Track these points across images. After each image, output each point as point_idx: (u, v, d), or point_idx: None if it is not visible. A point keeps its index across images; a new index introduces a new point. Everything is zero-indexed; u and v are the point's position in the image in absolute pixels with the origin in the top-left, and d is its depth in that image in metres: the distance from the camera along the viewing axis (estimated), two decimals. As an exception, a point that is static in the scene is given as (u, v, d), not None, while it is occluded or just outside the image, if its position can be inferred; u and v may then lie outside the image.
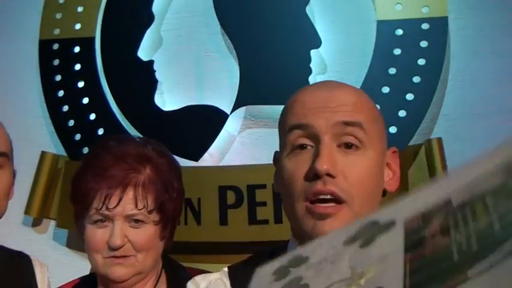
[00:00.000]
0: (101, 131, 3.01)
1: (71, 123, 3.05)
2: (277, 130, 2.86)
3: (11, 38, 3.36)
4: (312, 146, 1.17)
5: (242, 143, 2.91)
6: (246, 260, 1.40)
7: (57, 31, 3.17)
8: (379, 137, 1.22)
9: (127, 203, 1.55)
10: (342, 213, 1.12)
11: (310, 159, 1.14)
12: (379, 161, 1.19)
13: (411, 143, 2.60)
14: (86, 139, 3.02)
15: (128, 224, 1.57)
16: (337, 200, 1.12)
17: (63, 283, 1.80)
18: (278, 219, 2.54)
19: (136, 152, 1.63)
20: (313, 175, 1.12)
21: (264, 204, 2.55)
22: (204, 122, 2.89)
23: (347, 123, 1.15)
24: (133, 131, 2.97)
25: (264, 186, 2.57)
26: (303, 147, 1.18)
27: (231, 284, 1.31)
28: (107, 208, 1.55)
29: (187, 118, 2.93)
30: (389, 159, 1.26)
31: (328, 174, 1.11)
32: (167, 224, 1.65)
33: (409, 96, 2.61)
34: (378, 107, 2.60)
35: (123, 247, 1.56)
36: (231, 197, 2.58)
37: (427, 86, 2.61)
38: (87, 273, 2.85)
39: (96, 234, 1.58)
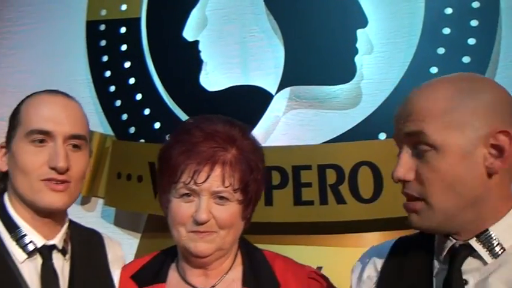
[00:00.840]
0: (147, 111, 3.04)
1: (118, 103, 3.10)
2: (321, 111, 2.86)
3: (58, 19, 3.41)
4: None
5: (287, 124, 2.90)
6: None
7: (103, 12, 3.21)
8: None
9: (214, 179, 1.58)
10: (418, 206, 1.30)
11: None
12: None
13: (460, 124, 2.55)
14: (133, 119, 3.07)
15: (213, 201, 1.60)
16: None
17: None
18: (323, 201, 2.53)
19: (225, 132, 1.64)
20: (397, 180, 1.32)
21: (309, 185, 2.55)
22: (249, 103, 2.89)
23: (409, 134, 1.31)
24: (178, 111, 2.99)
25: (309, 167, 2.56)
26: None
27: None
28: (195, 183, 1.57)
29: (232, 98, 2.94)
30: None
31: (404, 180, 1.31)
32: (249, 204, 1.67)
33: (459, 77, 2.55)
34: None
35: (208, 223, 1.59)
36: (276, 178, 2.59)
37: (477, 67, 2.54)
38: (134, 250, 2.92)
39: (182, 207, 1.61)
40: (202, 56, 3.02)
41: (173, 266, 1.76)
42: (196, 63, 3.00)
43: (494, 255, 1.27)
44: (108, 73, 3.15)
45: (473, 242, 1.28)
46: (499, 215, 1.28)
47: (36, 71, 3.39)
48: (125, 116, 3.07)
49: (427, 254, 1.39)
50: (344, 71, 2.75)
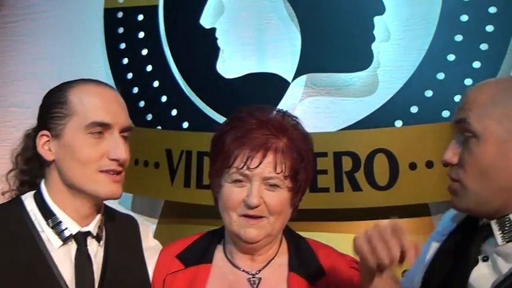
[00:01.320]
0: (164, 98, 3.06)
1: (135, 90, 3.12)
2: (338, 98, 2.86)
3: (76, 6, 3.43)
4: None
5: (303, 111, 2.90)
6: None
7: (121, -1, 3.23)
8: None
9: (267, 165, 1.63)
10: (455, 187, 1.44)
11: None
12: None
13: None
14: (150, 106, 3.08)
15: (264, 187, 1.64)
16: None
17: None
18: (339, 188, 2.54)
19: (277, 120, 1.70)
20: (444, 163, 1.47)
21: (324, 172, 2.55)
22: (265, 90, 2.90)
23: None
24: (195, 98, 3.00)
25: (325, 155, 2.56)
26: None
27: None
28: (248, 168, 1.63)
29: (248, 86, 2.95)
30: None
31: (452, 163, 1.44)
32: (298, 192, 1.72)
33: (476, 64, 2.54)
34: (443, 75, 2.57)
35: (258, 207, 1.64)
36: (292, 165, 2.58)
37: (495, 54, 2.53)
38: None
39: (234, 192, 1.66)
40: (219, 43, 3.02)
41: (219, 247, 1.80)
42: (213, 51, 3.01)
43: (507, 240, 1.39)
44: (125, 60, 3.17)
45: (493, 224, 1.42)
46: None
47: (54, 59, 3.43)
48: (142, 103, 3.09)
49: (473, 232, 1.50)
50: (361, 58, 2.74)
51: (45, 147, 1.65)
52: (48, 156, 1.65)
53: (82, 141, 1.61)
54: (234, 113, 1.78)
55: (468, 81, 2.53)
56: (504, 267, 1.37)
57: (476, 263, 1.42)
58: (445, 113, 2.52)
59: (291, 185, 1.68)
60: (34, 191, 1.69)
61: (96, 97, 1.65)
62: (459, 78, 2.55)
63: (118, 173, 1.65)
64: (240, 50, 3.02)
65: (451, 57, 2.58)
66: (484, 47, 2.54)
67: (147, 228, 1.91)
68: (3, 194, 1.78)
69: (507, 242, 1.39)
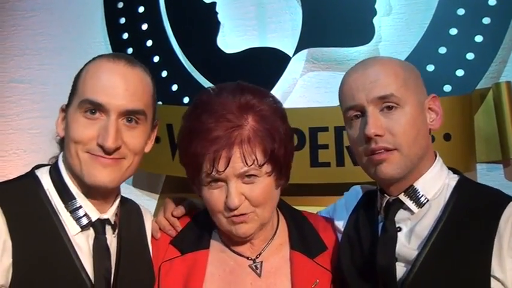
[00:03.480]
0: (164, 73, 3.05)
1: (136, 65, 3.10)
2: (339, 73, 2.86)
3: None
4: (362, 116, 1.56)
5: (304, 86, 2.90)
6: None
7: (121, -26, 3.20)
8: (413, 93, 1.56)
9: (235, 162, 1.52)
10: (393, 157, 1.52)
11: (363, 126, 1.53)
12: (417, 111, 1.55)
13: (478, 86, 2.53)
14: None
15: (241, 181, 1.55)
16: (388, 149, 1.51)
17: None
18: (340, 162, 2.54)
19: (235, 104, 1.57)
20: (366, 138, 1.52)
21: (326, 147, 2.56)
22: (266, 65, 2.89)
23: (381, 98, 1.52)
24: (196, 73, 2.99)
25: (326, 129, 2.57)
26: (357, 117, 1.57)
27: None
28: (217, 171, 1.53)
29: (249, 61, 2.94)
30: (430, 104, 1.60)
31: (377, 135, 1.50)
32: (281, 170, 1.62)
33: (478, 38, 2.53)
34: (445, 49, 2.56)
35: (242, 206, 1.56)
36: (293, 140, 2.58)
37: (497, 28, 2.51)
38: (152, 211, 2.95)
39: (213, 195, 1.58)
40: (220, 17, 3.01)
41: (215, 232, 1.73)
42: (213, 25, 2.99)
43: (420, 205, 1.56)
44: (125, 35, 3.15)
45: (402, 197, 1.57)
46: (423, 171, 1.58)
47: (55, 33, 3.41)
48: (142, 78, 3.08)
49: (373, 210, 1.67)
50: (362, 33, 2.73)
51: (62, 123, 1.56)
52: (59, 131, 1.56)
53: (76, 120, 1.49)
54: (189, 110, 1.67)
55: (470, 56, 2.52)
56: (425, 226, 1.53)
57: (396, 236, 1.56)
58: (447, 88, 2.52)
59: (270, 168, 1.58)
60: (49, 167, 1.59)
61: (98, 73, 1.51)
62: (461, 52, 2.54)
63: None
64: (241, 25, 3.01)
65: (453, 31, 2.57)
66: (486, 21, 2.53)
67: (149, 214, 1.83)
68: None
69: (420, 207, 1.56)
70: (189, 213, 1.77)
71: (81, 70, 1.56)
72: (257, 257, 1.69)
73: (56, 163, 1.57)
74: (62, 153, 1.58)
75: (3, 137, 3.49)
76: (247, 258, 1.69)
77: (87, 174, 1.48)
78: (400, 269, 1.52)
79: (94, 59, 1.57)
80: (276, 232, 1.73)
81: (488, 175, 2.52)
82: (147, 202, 3.00)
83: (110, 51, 3.15)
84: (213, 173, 1.54)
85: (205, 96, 1.64)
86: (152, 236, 1.75)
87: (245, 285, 1.65)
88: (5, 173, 3.34)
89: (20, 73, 3.45)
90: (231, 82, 1.68)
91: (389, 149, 1.52)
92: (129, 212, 1.72)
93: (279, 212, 1.77)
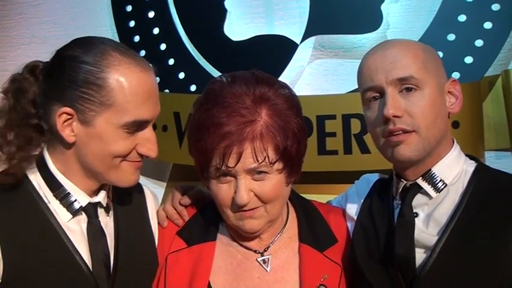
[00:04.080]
0: (171, 61, 3.05)
1: (142, 53, 3.09)
2: (346, 60, 2.84)
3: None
4: (380, 97, 1.54)
5: (311, 74, 2.89)
6: None
7: (127, -38, 3.19)
8: (433, 75, 1.53)
9: (246, 158, 1.47)
10: (411, 139, 1.50)
11: (381, 107, 1.52)
12: (436, 94, 1.53)
13: (487, 73, 2.52)
14: (157, 69, 3.06)
15: (251, 177, 1.50)
16: (406, 131, 1.50)
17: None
18: (347, 150, 2.54)
19: (249, 96, 1.51)
20: (384, 119, 1.50)
21: (333, 134, 2.55)
22: (273, 53, 2.88)
23: (400, 79, 1.50)
24: (203, 61, 2.99)
25: (333, 117, 2.56)
26: (375, 98, 1.55)
27: None
28: (227, 167, 1.48)
29: (256, 48, 2.93)
30: (449, 88, 1.58)
31: (395, 116, 1.49)
32: (293, 167, 1.56)
33: (487, 25, 2.51)
34: (454, 36, 2.54)
35: (251, 202, 1.52)
36: (300, 128, 2.58)
37: (506, 14, 2.49)
38: (160, 200, 2.95)
39: (221, 190, 1.54)
40: (226, 5, 3.00)
41: (222, 224, 1.69)
42: (221, 13, 2.98)
43: (438, 190, 1.55)
44: (132, 23, 3.15)
45: (420, 181, 1.56)
46: (441, 155, 1.56)
47: (61, 22, 3.41)
48: (149, 66, 3.08)
49: (388, 196, 1.66)
50: (370, 20, 2.71)
51: (67, 127, 1.43)
52: (69, 138, 1.44)
53: (115, 134, 1.43)
54: (201, 100, 1.59)
55: (479, 42, 2.51)
56: (443, 211, 1.52)
57: (413, 220, 1.55)
58: (455, 75, 2.50)
59: (281, 166, 1.52)
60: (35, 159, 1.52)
61: (141, 90, 1.44)
62: (470, 39, 2.52)
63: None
64: (248, 12, 2.99)
65: (462, 18, 2.55)
66: (495, 7, 2.51)
67: (154, 195, 1.81)
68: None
69: (438, 192, 1.54)
70: (197, 203, 1.74)
71: (106, 77, 1.42)
72: (265, 251, 1.66)
73: (42, 154, 1.51)
74: (45, 145, 1.52)
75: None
76: (255, 251, 1.66)
77: (124, 180, 1.51)
78: (419, 256, 1.51)
79: (119, 64, 1.43)
80: (285, 225, 1.70)
81: (497, 163, 2.50)
82: (154, 190, 2.98)
83: (117, 39, 3.14)
84: (222, 168, 1.49)
85: (218, 86, 1.57)
86: (158, 223, 1.73)
87: (252, 278, 1.62)
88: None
89: (27, 61, 3.44)
90: (246, 71, 1.61)
91: (408, 131, 1.49)
92: (125, 192, 1.66)
93: (289, 204, 1.74)
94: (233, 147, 1.46)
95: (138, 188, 1.73)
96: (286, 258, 1.65)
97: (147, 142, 1.48)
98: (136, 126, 1.44)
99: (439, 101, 1.53)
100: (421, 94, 1.50)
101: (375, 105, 1.55)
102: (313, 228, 1.68)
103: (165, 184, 3.06)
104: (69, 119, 1.42)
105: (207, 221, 1.67)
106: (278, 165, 1.51)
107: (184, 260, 1.62)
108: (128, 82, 1.43)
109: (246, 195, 1.50)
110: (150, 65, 1.53)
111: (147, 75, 1.47)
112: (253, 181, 1.51)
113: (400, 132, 1.49)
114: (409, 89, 1.50)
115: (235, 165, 1.47)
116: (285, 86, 1.61)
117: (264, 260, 1.64)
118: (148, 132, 1.48)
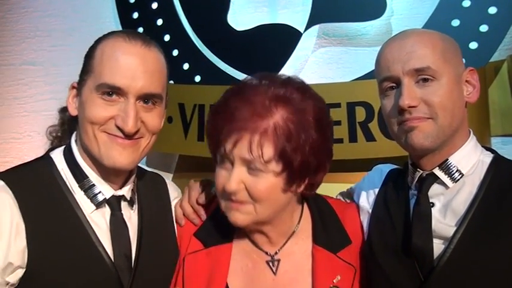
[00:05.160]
0: (175, 52, 3.05)
1: (146, 44, 3.10)
2: (351, 48, 2.83)
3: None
4: (396, 87, 1.55)
5: (315, 62, 2.88)
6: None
7: (130, -48, 3.18)
8: (451, 65, 1.53)
9: (242, 147, 1.48)
10: (426, 125, 1.51)
11: (397, 97, 1.53)
12: (454, 84, 1.53)
13: (493, 59, 2.50)
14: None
15: (247, 170, 1.50)
16: (422, 118, 1.51)
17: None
18: (353, 138, 2.53)
19: (268, 94, 1.51)
20: (400, 109, 1.52)
21: (338, 123, 2.54)
22: (277, 42, 2.87)
23: (417, 70, 1.50)
24: (207, 52, 2.99)
25: (338, 105, 2.55)
26: (392, 88, 1.57)
27: None
28: (224, 150, 1.50)
29: (260, 38, 2.92)
30: (467, 77, 1.58)
31: (411, 106, 1.50)
32: (294, 177, 1.53)
33: (492, 10, 2.49)
34: (458, 22, 2.53)
35: (239, 193, 1.52)
36: (305, 116, 2.57)
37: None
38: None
39: (219, 175, 1.55)
40: (229, -6, 2.99)
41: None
42: (224, 3, 2.98)
43: (454, 180, 1.55)
44: (135, 14, 3.15)
45: (437, 171, 1.56)
46: (458, 145, 1.56)
47: (65, 14, 3.41)
48: (153, 58, 3.07)
49: (403, 187, 1.66)
50: (374, 7, 2.70)
51: (74, 100, 1.54)
52: (72, 110, 1.54)
53: (92, 101, 1.47)
54: (226, 93, 1.61)
55: (484, 28, 2.49)
56: (460, 202, 1.52)
57: (430, 210, 1.55)
58: (460, 61, 2.49)
59: (279, 169, 1.50)
60: (63, 147, 1.59)
61: (117, 56, 1.48)
62: (474, 24, 2.51)
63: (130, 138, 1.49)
64: (251, 1, 2.99)
65: (466, 3, 2.54)
66: (500, -8, 2.49)
67: (175, 187, 1.83)
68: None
69: (455, 182, 1.55)
70: (214, 201, 1.72)
71: (95, 48, 1.53)
72: (276, 253, 1.66)
73: (69, 143, 1.57)
74: (75, 133, 1.58)
75: (18, 119, 3.52)
76: (266, 253, 1.66)
77: (106, 156, 1.49)
78: (437, 246, 1.50)
79: (107, 36, 1.53)
80: (299, 222, 1.69)
81: (503, 148, 2.49)
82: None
83: (120, 29, 3.14)
84: (221, 150, 1.52)
85: (245, 79, 1.61)
86: (176, 221, 1.74)
87: (266, 280, 1.63)
88: (20, 155, 3.38)
89: (32, 55, 3.46)
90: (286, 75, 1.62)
91: (424, 118, 1.51)
92: (150, 185, 1.72)
93: (304, 203, 1.73)
94: (233, 132, 1.49)
95: (160, 179, 1.79)
96: (299, 259, 1.65)
97: (123, 115, 1.47)
98: (108, 91, 1.47)
99: (457, 91, 1.53)
100: (438, 84, 1.50)
101: (391, 95, 1.56)
102: (328, 230, 1.68)
103: (171, 176, 3.07)
104: (77, 95, 1.54)
105: (223, 221, 1.63)
106: (275, 167, 1.50)
107: (202, 262, 1.64)
108: (108, 49, 1.50)
109: (234, 183, 1.50)
110: (152, 44, 1.56)
111: (132, 45, 1.50)
112: (247, 174, 1.51)
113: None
114: (425, 80, 1.50)
115: (231, 150, 1.49)
116: (320, 99, 1.62)
117: (273, 263, 1.65)
118: (127, 106, 1.48)
